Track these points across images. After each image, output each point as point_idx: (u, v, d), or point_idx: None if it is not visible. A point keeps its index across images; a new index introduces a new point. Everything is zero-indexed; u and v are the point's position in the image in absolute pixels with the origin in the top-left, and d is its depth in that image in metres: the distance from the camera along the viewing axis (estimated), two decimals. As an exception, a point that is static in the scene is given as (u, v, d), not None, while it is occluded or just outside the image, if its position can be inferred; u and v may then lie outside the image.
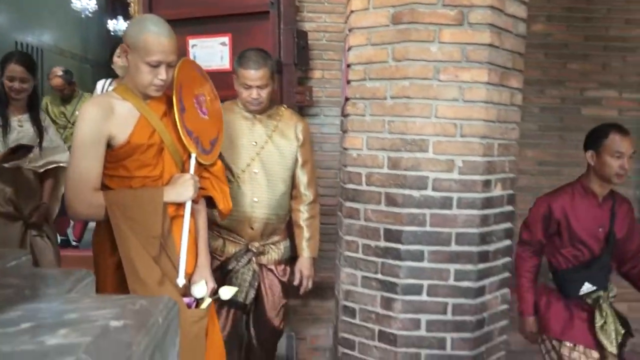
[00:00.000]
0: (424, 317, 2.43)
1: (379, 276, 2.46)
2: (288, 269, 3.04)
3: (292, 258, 3.08)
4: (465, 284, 2.41)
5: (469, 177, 2.37)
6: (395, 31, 2.37)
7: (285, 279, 3.02)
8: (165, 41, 2.09)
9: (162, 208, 2.13)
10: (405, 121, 2.37)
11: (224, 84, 4.32)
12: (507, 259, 2.59)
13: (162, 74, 2.11)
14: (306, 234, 3.00)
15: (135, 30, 2.11)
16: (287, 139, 2.92)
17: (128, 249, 2.06)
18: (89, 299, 1.35)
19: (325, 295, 3.26)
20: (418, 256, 2.40)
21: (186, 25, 4.23)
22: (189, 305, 2.22)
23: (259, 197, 2.84)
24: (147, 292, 2.02)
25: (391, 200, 2.42)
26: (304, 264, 3.02)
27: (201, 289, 2.27)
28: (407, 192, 2.39)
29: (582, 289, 2.86)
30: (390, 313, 2.45)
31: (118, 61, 3.77)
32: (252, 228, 2.85)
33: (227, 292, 2.35)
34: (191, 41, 4.23)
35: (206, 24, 4.23)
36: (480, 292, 2.45)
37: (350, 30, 2.53)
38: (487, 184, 2.41)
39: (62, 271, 1.57)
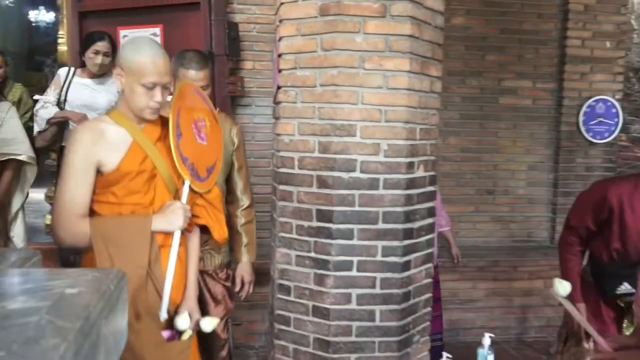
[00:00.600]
0: (354, 292, 2.59)
1: (312, 254, 2.61)
2: (230, 272, 3.04)
3: (230, 262, 3.07)
4: (392, 259, 2.59)
5: (394, 159, 2.54)
6: (323, 22, 2.51)
7: (229, 284, 2.99)
8: (160, 62, 2.06)
9: (149, 237, 2.07)
10: (334, 107, 2.52)
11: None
12: (430, 236, 2.78)
13: (158, 95, 2.07)
14: (244, 239, 2.99)
15: (129, 52, 2.07)
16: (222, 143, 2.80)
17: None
18: (41, 272, 1.42)
19: (261, 281, 3.38)
20: (348, 234, 2.56)
21: (117, 15, 4.25)
22: (171, 338, 2.16)
23: None
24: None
25: (322, 183, 2.57)
26: (244, 269, 3.00)
27: (184, 321, 2.18)
28: (336, 174, 2.54)
29: (619, 288, 2.71)
30: (323, 289, 2.60)
31: (94, 58, 3.74)
32: None
33: (208, 324, 2.29)
34: (122, 32, 4.25)
35: (137, 15, 4.26)
36: (406, 266, 2.63)
37: (280, 21, 2.66)
38: (410, 166, 2.59)
39: (9, 249, 1.63)
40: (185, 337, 2.19)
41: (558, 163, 5.25)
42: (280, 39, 2.66)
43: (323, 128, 2.55)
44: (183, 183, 2.19)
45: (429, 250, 2.79)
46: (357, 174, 2.54)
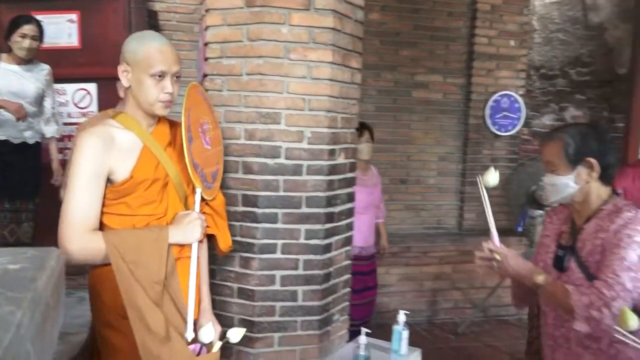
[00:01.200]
0: (278, 273, 2.69)
1: (238, 238, 2.69)
2: None
3: None
4: (314, 241, 2.71)
5: (317, 146, 2.66)
6: (249, 13, 2.59)
7: None
8: (168, 50, 1.93)
9: (167, 251, 1.91)
10: (259, 96, 2.61)
11: (70, 62, 4.29)
12: (349, 220, 2.93)
13: (168, 86, 1.92)
14: None
15: (133, 44, 1.92)
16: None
17: (134, 296, 1.84)
18: (-23, 252, 1.44)
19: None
20: (273, 218, 2.66)
21: (33, 0, 4.15)
22: (198, 352, 2.03)
23: None
24: (158, 343, 1.83)
25: (248, 169, 2.66)
26: None
27: (209, 333, 2.00)
28: (262, 160, 2.63)
29: None
30: (248, 271, 2.69)
31: (22, 42, 3.60)
32: None
33: (236, 335, 2.07)
34: (37, 17, 4.15)
35: (53, 0, 4.17)
36: (327, 249, 2.76)
37: (207, 11, 2.71)
38: (332, 153, 2.72)
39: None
40: (215, 349, 2.03)
41: (466, 154, 5.55)
42: (206, 28, 2.72)
43: (249, 116, 2.64)
44: (194, 191, 2.06)
45: (349, 234, 2.94)
46: (281, 160, 2.64)
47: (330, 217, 2.75)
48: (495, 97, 5.42)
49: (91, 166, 1.83)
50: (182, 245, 2.00)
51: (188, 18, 4.83)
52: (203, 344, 2.03)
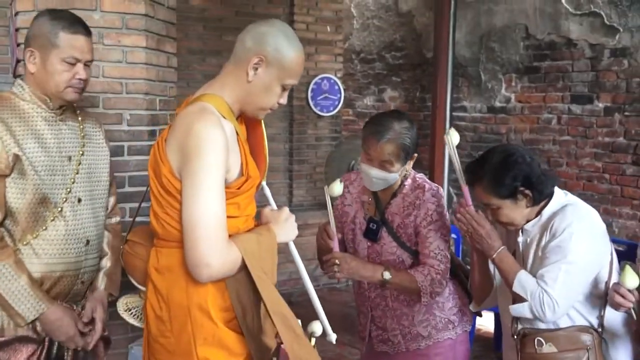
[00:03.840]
0: (105, 251, 2.80)
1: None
2: None
3: None
4: (138, 219, 2.83)
5: (136, 128, 2.79)
6: (61, -1, 2.65)
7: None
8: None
9: (276, 253, 1.77)
10: (75, 80, 2.68)
11: None
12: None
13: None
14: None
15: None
16: (97, 147, 2.19)
17: (279, 304, 1.67)
18: None
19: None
20: (96, 199, 2.75)
21: None
22: None
23: (90, 237, 2.10)
24: (304, 347, 1.67)
25: (68, 152, 2.72)
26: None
27: (318, 326, 1.82)
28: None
29: None
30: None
31: None
32: (81, 283, 2.11)
33: (319, 327, 1.82)
34: None
35: None
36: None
37: (16, -4, 2.73)
38: (152, 134, 2.86)
39: None
40: (313, 342, 1.84)
41: (292, 134, 5.86)
42: (16, 13, 2.73)
43: (66, 100, 2.70)
44: (259, 187, 1.89)
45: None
46: (101, 143, 2.74)
47: (146, 196, 2.89)
48: (316, 79, 5.76)
49: (220, 165, 1.59)
50: None
51: (1, 2, 4.67)
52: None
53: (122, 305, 2.04)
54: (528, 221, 2.08)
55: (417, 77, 6.45)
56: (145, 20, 2.73)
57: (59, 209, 1.98)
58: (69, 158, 2.03)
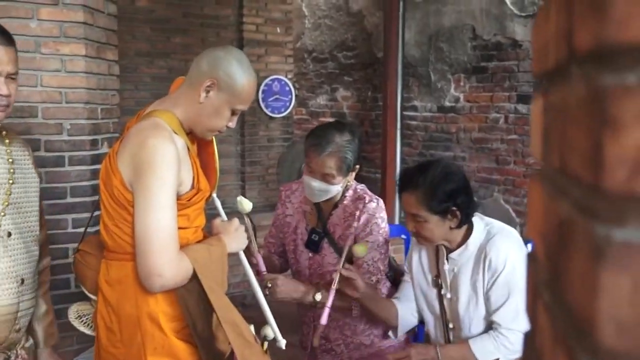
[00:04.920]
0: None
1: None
2: None
3: None
4: (81, 230, 2.79)
5: (77, 137, 2.74)
6: (-4, 7, 2.59)
7: None
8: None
9: (227, 263, 1.81)
10: (12, 90, 2.62)
11: None
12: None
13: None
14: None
15: None
16: (26, 173, 1.94)
17: (230, 312, 1.72)
18: None
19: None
20: (37, 211, 2.70)
21: None
22: None
23: (25, 275, 1.84)
24: (255, 353, 1.72)
25: (6, 163, 2.66)
26: None
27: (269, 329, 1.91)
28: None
29: None
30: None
31: None
32: (17, 330, 1.84)
33: (270, 331, 1.90)
34: None
35: None
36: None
37: (-52, 4, 2.65)
38: (94, 143, 2.81)
39: None
40: (265, 346, 1.93)
41: (244, 136, 5.84)
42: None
43: (3, 110, 2.63)
44: (209, 198, 1.93)
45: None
46: (42, 153, 2.68)
47: (97, 205, 2.85)
48: (266, 81, 5.74)
49: (172, 179, 1.63)
50: None
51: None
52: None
53: (73, 312, 2.00)
54: (451, 250, 2.07)
55: (369, 76, 6.50)
56: (84, 28, 2.68)
57: None
58: None
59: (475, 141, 5.26)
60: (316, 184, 2.17)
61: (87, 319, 1.99)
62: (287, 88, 5.90)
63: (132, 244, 1.65)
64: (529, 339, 0.59)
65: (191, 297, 1.72)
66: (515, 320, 1.95)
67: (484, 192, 5.18)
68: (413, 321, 2.26)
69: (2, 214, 1.75)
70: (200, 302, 1.73)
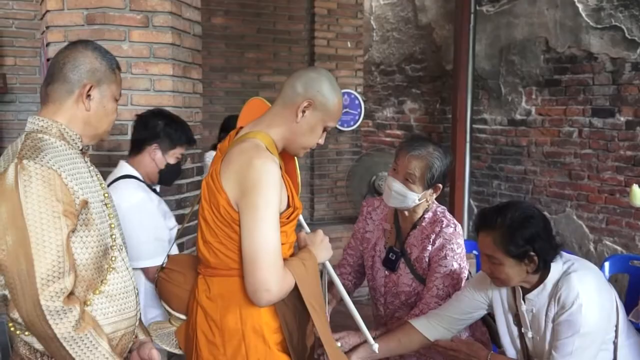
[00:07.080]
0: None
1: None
2: None
3: None
4: (166, 242, 2.90)
5: (164, 153, 2.85)
6: (90, 30, 2.73)
7: None
8: None
9: (319, 275, 1.89)
10: (105, 109, 2.75)
11: None
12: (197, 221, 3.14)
13: None
14: None
15: None
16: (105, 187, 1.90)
17: (326, 328, 1.86)
18: None
19: None
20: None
21: None
22: None
23: (137, 286, 1.90)
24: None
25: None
26: None
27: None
28: (111, 170, 2.77)
29: None
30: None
31: None
32: (136, 338, 1.89)
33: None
34: None
35: None
36: (180, 248, 2.96)
37: (47, 27, 2.80)
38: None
39: None
40: None
41: (313, 149, 5.89)
42: (48, 44, 2.81)
43: (95, 128, 2.77)
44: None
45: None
46: (130, 168, 2.80)
47: (181, 218, 2.95)
48: (337, 95, 5.79)
49: (277, 199, 1.70)
50: None
51: (28, 24, 4.77)
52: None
53: (152, 331, 2.04)
54: (528, 290, 2.02)
55: (437, 89, 6.47)
56: (172, 49, 2.80)
57: (113, 258, 1.73)
58: (102, 200, 1.75)
59: (547, 155, 5.16)
60: (396, 186, 2.18)
61: (168, 336, 2.02)
62: (357, 102, 5.94)
63: (237, 260, 1.73)
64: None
65: (289, 311, 1.81)
66: (567, 358, 1.90)
67: (555, 207, 5.07)
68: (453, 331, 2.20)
69: (112, 226, 1.76)
70: (296, 315, 1.83)
